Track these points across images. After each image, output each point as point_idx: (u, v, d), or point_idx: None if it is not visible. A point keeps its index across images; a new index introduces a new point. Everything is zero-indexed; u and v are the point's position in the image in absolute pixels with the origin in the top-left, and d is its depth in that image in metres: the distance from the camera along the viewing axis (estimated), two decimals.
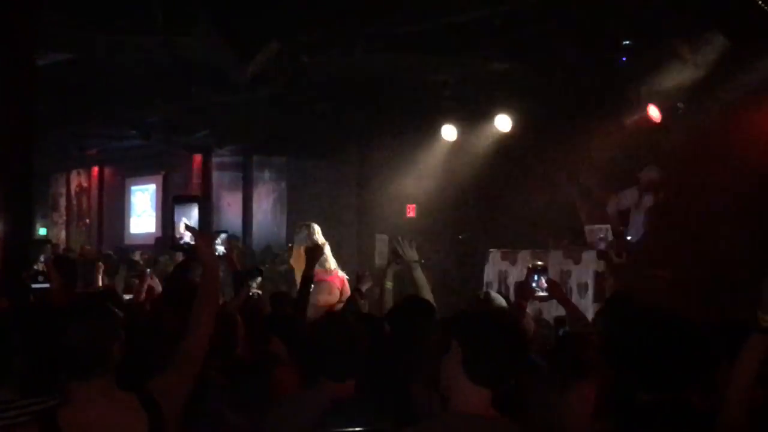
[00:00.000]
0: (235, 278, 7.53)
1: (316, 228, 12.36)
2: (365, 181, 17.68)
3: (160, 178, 22.17)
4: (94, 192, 24.39)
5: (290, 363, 5.29)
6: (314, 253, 7.34)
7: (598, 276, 11.67)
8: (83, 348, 3.33)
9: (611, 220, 12.26)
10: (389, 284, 6.96)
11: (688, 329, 3.49)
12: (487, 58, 12.49)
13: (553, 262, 12.11)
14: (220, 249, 6.78)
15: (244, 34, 10.02)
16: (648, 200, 11.97)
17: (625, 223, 12.47)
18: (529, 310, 5.84)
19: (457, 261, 15.72)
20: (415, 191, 16.51)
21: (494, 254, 13.19)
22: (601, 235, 12.22)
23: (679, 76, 11.60)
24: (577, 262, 11.92)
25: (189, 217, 3.92)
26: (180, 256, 12.65)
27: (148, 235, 21.68)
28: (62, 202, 25.56)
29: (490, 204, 15.49)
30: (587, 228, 12.68)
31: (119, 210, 23.57)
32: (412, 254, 6.94)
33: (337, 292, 11.33)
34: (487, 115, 14.33)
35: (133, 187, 23.08)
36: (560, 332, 5.73)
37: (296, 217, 15.37)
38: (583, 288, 11.71)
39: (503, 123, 14.16)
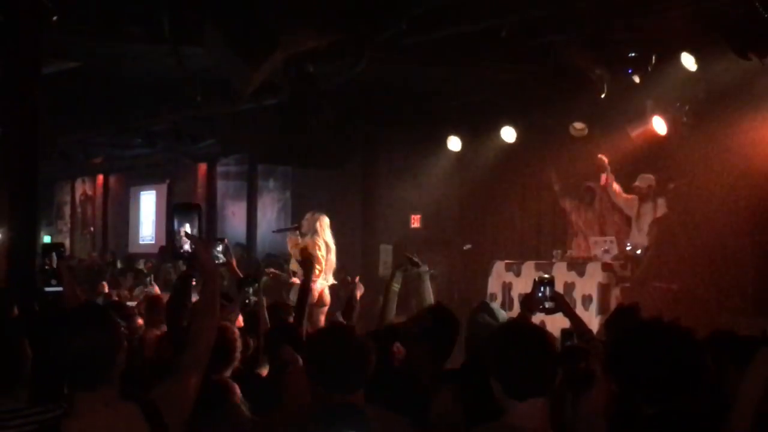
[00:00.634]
0: (239, 285, 7.53)
1: (324, 222, 12.30)
2: (370, 191, 17.68)
3: (164, 186, 22.20)
4: (99, 200, 24.43)
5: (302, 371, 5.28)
6: (310, 264, 7.33)
7: (603, 288, 11.68)
8: (88, 358, 3.32)
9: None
10: (396, 287, 6.96)
11: (691, 342, 3.49)
12: (493, 69, 12.49)
13: (557, 273, 12.11)
14: (220, 257, 6.77)
15: (250, 43, 10.02)
16: (646, 209, 11.97)
17: (626, 232, 12.47)
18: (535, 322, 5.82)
19: (461, 272, 15.71)
20: (420, 202, 16.51)
21: (498, 265, 13.21)
22: (605, 248, 12.23)
23: (684, 88, 11.61)
24: (581, 274, 11.92)
25: (189, 225, 3.90)
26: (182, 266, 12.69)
27: (153, 243, 21.70)
28: (67, 210, 25.60)
29: (495, 215, 15.49)
30: (591, 240, 12.69)
31: (124, 218, 23.60)
32: (425, 265, 6.99)
33: (315, 296, 11.33)
34: (493, 126, 14.34)
35: (141, 194, 23.10)
36: (566, 345, 5.71)
37: None
38: (587, 300, 11.72)
39: (508, 134, 14.16)
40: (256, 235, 19.62)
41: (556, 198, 13.95)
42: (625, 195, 12.37)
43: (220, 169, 20.18)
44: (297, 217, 18.34)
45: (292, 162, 19.20)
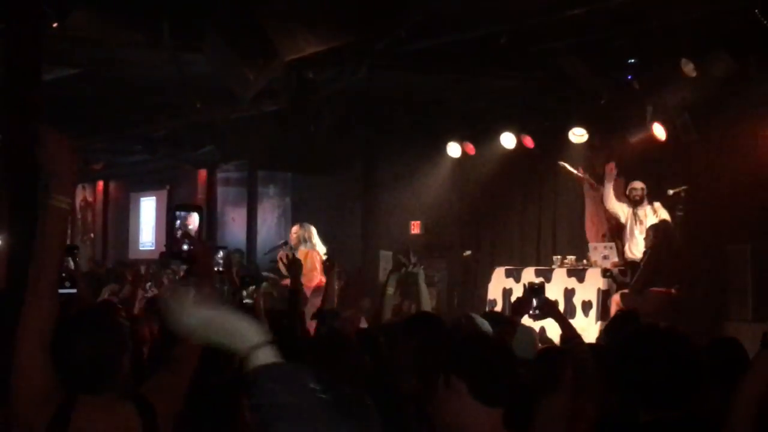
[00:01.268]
0: (235, 294, 7.53)
1: (313, 230, 12.47)
2: (370, 198, 17.68)
3: (164, 193, 22.19)
4: (99, 206, 24.41)
5: None
6: (296, 267, 7.32)
7: (602, 294, 11.69)
8: (93, 362, 3.32)
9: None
10: (390, 290, 6.98)
11: (688, 347, 3.48)
12: (493, 75, 12.52)
13: (557, 280, 12.13)
14: (219, 265, 6.74)
15: (250, 50, 10.04)
16: (642, 214, 11.97)
17: (622, 238, 12.48)
18: (536, 328, 5.84)
19: (461, 278, 15.71)
20: (420, 208, 16.51)
21: (498, 271, 13.21)
22: (605, 254, 12.24)
23: (684, 95, 11.62)
24: (581, 280, 11.94)
25: (189, 226, 3.89)
26: (182, 271, 12.71)
27: (153, 249, 21.69)
28: None
29: (495, 221, 15.50)
30: (591, 246, 12.71)
31: (124, 224, 23.59)
32: (419, 266, 6.99)
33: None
34: (493, 133, 14.35)
35: (142, 200, 23.10)
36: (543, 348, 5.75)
37: None
38: (587, 306, 11.73)
39: (508, 140, 14.17)
40: (256, 241, 19.59)
41: (555, 204, 13.97)
42: (618, 202, 12.32)
43: (220, 175, 20.17)
44: (296, 223, 18.36)
45: (292, 168, 19.20)
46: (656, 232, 11.33)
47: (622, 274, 11.88)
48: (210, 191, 20.02)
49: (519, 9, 10.13)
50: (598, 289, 11.73)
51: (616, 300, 11.27)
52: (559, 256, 12.79)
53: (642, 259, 11.56)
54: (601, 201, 12.65)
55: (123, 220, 23.64)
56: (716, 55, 10.71)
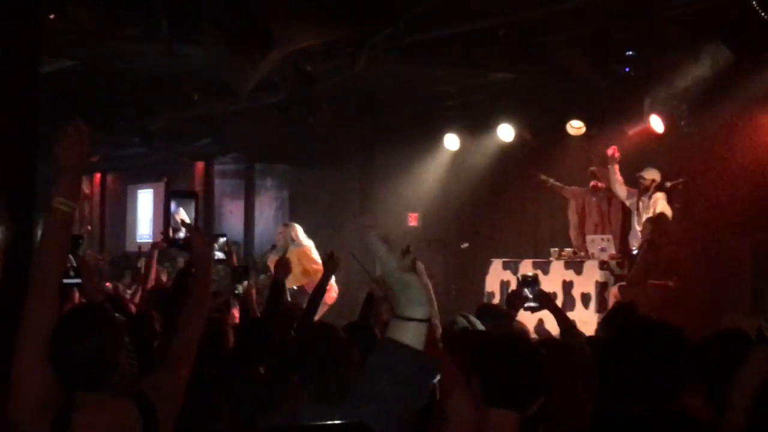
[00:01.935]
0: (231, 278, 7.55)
1: (298, 228, 12.55)
2: (368, 190, 17.67)
3: (162, 185, 22.16)
4: (96, 199, 24.39)
5: None
6: (334, 264, 7.34)
7: (600, 286, 11.69)
8: (89, 361, 3.30)
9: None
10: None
11: (678, 340, 3.47)
12: (491, 68, 12.51)
13: (555, 272, 12.13)
14: (219, 255, 6.74)
15: (248, 42, 10.03)
16: (645, 204, 11.93)
17: (626, 228, 12.47)
18: (533, 320, 5.84)
19: (458, 270, 15.71)
20: (418, 200, 16.51)
21: (496, 264, 13.21)
22: (602, 246, 12.23)
23: (682, 87, 11.61)
24: (579, 272, 11.93)
25: (185, 213, 3.88)
26: (182, 263, 12.72)
27: (150, 241, 21.66)
28: None
29: (493, 214, 15.50)
30: (588, 238, 12.70)
31: (121, 217, 23.57)
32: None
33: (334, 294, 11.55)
34: (490, 125, 14.34)
35: (139, 192, 23.08)
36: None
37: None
38: (586, 298, 11.73)
39: (506, 133, 14.16)
40: (254, 233, 19.59)
41: (553, 196, 13.95)
42: (626, 186, 12.22)
43: (217, 167, 20.14)
44: (295, 216, 18.35)
45: (290, 161, 19.18)
46: (653, 225, 11.32)
47: (620, 267, 11.88)
48: (207, 183, 19.98)
49: (517, 1, 10.13)
50: (596, 282, 11.74)
51: (614, 292, 11.27)
52: (556, 249, 12.77)
53: (638, 252, 11.56)
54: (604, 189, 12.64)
55: (120, 212, 23.62)
56: (714, 47, 10.70)
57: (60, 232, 3.33)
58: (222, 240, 7.01)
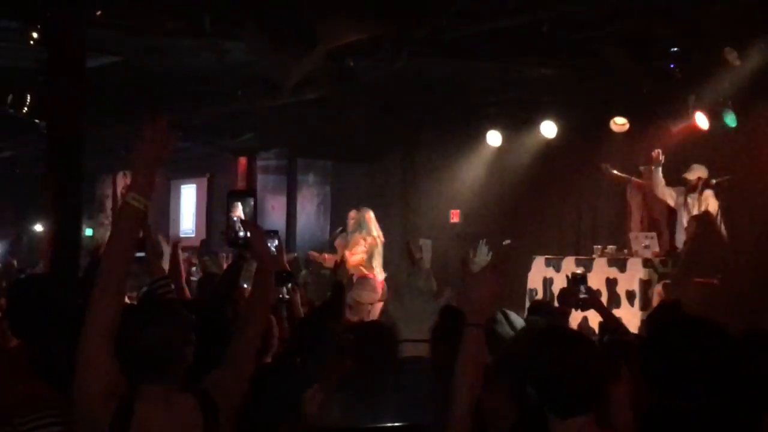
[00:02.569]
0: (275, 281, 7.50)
1: (367, 215, 12.50)
2: (409, 186, 17.67)
3: (205, 180, 22.31)
4: None
5: None
6: (340, 267, 7.31)
7: (644, 284, 11.61)
8: (157, 352, 3.30)
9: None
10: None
11: (722, 338, 3.44)
12: (534, 63, 12.45)
13: (598, 269, 12.06)
14: (273, 249, 6.72)
15: (290, 38, 10.06)
16: (692, 202, 11.82)
17: (671, 225, 12.38)
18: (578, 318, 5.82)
19: (501, 267, 15.66)
20: (460, 197, 16.48)
21: (538, 261, 13.17)
22: (646, 243, 12.15)
23: (727, 83, 11.50)
24: (623, 269, 11.86)
25: (243, 213, 3.91)
26: (223, 258, 12.76)
27: (193, 236, 21.82)
28: (108, 203, 25.76)
29: (535, 210, 15.43)
30: (632, 235, 12.63)
31: (164, 211, 23.73)
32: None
33: (380, 291, 11.45)
34: (533, 121, 14.29)
35: (182, 187, 23.22)
36: (605, 339, 5.70)
37: (340, 222, 15.38)
38: (631, 295, 11.66)
39: (549, 129, 14.10)
40: (296, 229, 19.66)
41: (595, 193, 13.86)
42: (669, 187, 12.11)
43: (260, 163, 20.21)
44: (336, 212, 18.42)
45: (332, 156, 19.23)
46: (697, 223, 11.23)
47: (663, 264, 11.79)
48: (250, 179, 20.06)
49: None
50: (640, 279, 11.66)
51: (658, 290, 11.18)
52: (599, 246, 12.71)
53: (682, 250, 11.48)
54: (648, 190, 12.54)
55: (164, 207, 23.78)
56: (759, 44, 10.60)
57: (129, 227, 3.35)
58: (276, 242, 6.99)
